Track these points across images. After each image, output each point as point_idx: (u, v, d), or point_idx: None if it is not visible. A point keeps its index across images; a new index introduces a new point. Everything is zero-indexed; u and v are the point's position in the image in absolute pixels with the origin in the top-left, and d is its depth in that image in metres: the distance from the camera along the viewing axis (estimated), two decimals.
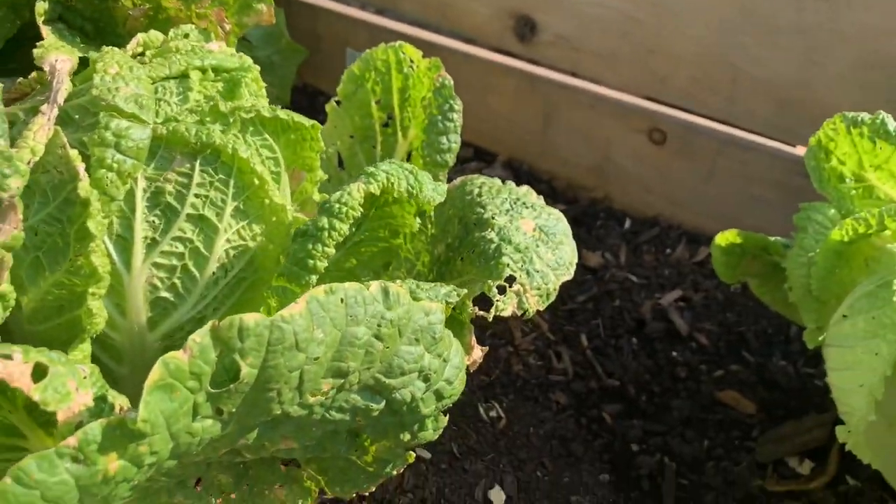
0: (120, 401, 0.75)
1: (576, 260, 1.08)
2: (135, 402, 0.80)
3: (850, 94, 1.54)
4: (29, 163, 0.71)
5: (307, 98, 2.06)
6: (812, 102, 1.58)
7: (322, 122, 1.08)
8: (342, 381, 0.80)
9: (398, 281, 0.92)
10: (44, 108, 0.74)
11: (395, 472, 1.01)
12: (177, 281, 0.83)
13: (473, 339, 1.04)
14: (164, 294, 0.83)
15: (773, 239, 1.29)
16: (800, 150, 1.65)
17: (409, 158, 1.27)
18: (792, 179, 1.63)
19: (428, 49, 1.31)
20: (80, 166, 0.73)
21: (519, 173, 1.89)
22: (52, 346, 0.84)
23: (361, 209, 0.87)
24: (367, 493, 1.23)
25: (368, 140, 1.28)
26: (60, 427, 0.67)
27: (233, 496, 1.04)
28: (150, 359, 0.89)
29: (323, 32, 2.02)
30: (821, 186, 1.19)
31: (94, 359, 0.85)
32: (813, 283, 1.16)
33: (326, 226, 0.83)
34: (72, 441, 0.62)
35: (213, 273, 0.85)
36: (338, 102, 1.27)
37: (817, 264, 1.14)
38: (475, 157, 1.94)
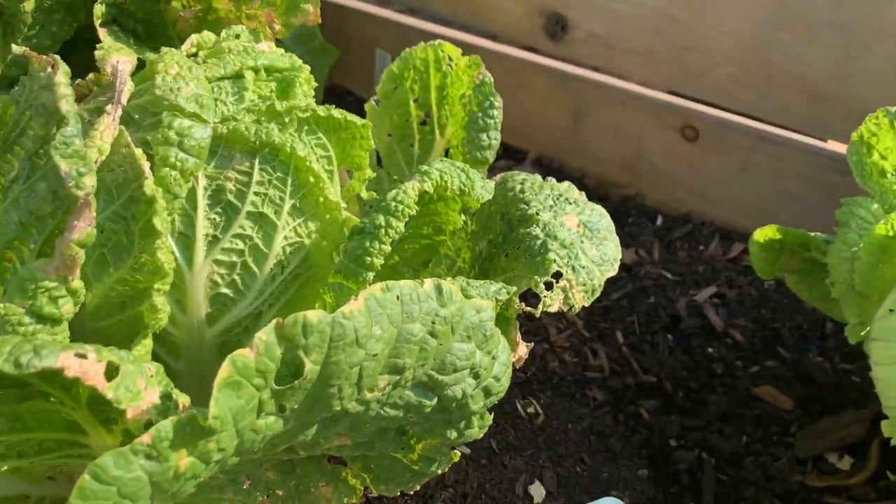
0: (182, 398, 0.76)
1: (619, 256, 1.08)
2: (193, 396, 0.81)
3: (886, 89, 1.53)
4: (96, 162, 0.72)
5: (336, 98, 2.07)
6: (848, 98, 1.57)
7: None
8: (398, 377, 0.81)
9: (448, 279, 0.93)
10: (108, 108, 0.75)
11: (439, 471, 1.02)
12: (237, 277, 0.84)
13: (519, 335, 1.04)
14: (224, 290, 0.84)
15: (812, 234, 1.29)
16: (832, 146, 1.65)
17: (446, 155, 1.28)
18: (825, 175, 1.63)
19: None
20: (145, 165, 0.74)
21: (549, 171, 1.89)
22: (113, 341, 0.85)
23: (417, 207, 0.87)
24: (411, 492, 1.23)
25: (406, 138, 1.29)
26: (129, 424, 0.68)
27: (279, 493, 1.05)
28: (206, 354, 0.91)
29: (352, 33, 2.03)
30: (863, 181, 1.19)
31: (153, 354, 0.86)
32: (856, 278, 1.16)
33: (383, 223, 0.84)
34: (145, 438, 0.63)
35: (271, 269, 0.86)
36: (377, 102, 1.27)
37: (861, 259, 1.14)
38: (505, 155, 1.94)
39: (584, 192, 1.16)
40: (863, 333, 1.20)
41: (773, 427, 1.39)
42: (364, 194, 1.05)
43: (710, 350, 1.51)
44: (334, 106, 0.96)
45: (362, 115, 1.30)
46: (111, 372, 0.67)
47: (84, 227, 0.67)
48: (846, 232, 1.17)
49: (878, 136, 1.18)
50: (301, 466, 1.06)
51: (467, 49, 1.85)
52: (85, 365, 0.63)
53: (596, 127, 1.83)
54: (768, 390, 1.44)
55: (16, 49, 0.82)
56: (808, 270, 1.35)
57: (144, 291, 0.79)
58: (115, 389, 0.65)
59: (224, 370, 0.66)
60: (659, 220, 1.78)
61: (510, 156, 1.95)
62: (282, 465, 1.03)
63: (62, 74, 0.72)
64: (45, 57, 0.75)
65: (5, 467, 0.83)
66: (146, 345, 0.81)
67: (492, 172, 1.71)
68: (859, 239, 1.15)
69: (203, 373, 0.92)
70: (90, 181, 0.67)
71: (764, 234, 1.32)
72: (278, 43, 1.57)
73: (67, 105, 0.70)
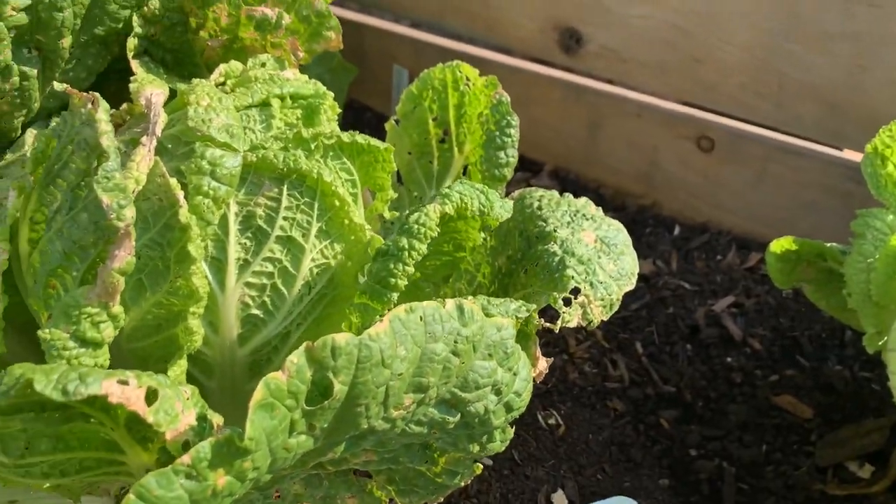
0: (216, 419, 0.79)
1: (637, 270, 1.10)
2: (225, 413, 0.84)
3: None
4: (133, 192, 0.75)
5: (355, 114, 2.10)
6: (861, 107, 1.58)
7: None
8: (422, 395, 0.83)
9: (470, 298, 0.96)
10: (143, 139, 0.79)
11: (462, 483, 1.04)
12: (267, 299, 0.87)
13: (539, 350, 1.07)
14: (255, 311, 0.87)
15: (829, 245, 1.30)
16: (848, 154, 1.66)
17: (465, 172, 1.31)
18: (841, 184, 1.64)
19: (473, 63, 1.35)
20: (180, 194, 0.78)
21: (566, 182, 1.91)
22: (149, 362, 0.89)
23: (438, 229, 0.90)
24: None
25: (425, 156, 1.32)
26: (169, 445, 0.72)
27: None
28: (238, 373, 0.94)
29: (369, 49, 2.07)
30: (878, 193, 1.21)
31: (187, 374, 0.89)
32: (873, 289, 1.17)
33: (406, 246, 0.87)
34: (186, 459, 0.66)
35: (299, 291, 0.89)
36: (396, 121, 1.31)
37: (877, 270, 1.16)
38: (521, 167, 1.96)
39: (600, 205, 1.18)
40: (881, 343, 1.21)
41: (793, 436, 1.40)
42: (387, 214, 1.08)
43: (729, 359, 1.52)
44: (353, 124, 1.00)
45: (381, 130, 1.34)
46: (150, 396, 0.70)
47: (124, 256, 0.71)
48: (862, 243, 1.18)
49: (892, 147, 1.19)
50: (328, 479, 1.08)
51: (483, 64, 1.88)
52: (127, 391, 0.66)
53: (611, 138, 1.85)
54: (788, 399, 1.45)
55: (57, 86, 0.86)
56: (825, 280, 1.36)
57: (179, 314, 0.82)
58: (155, 413, 0.68)
59: (258, 392, 0.69)
60: (676, 230, 1.80)
61: (527, 168, 1.97)
62: (309, 478, 1.06)
63: (102, 111, 0.76)
64: (85, 94, 0.78)
65: (47, 484, 0.86)
66: (181, 365, 0.85)
67: (509, 185, 1.74)
68: (875, 250, 1.17)
69: (234, 390, 0.95)
70: (130, 213, 0.71)
71: (780, 245, 1.33)
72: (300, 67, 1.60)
73: (108, 141, 0.73)
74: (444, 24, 2.04)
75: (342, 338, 0.72)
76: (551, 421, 1.41)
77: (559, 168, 1.95)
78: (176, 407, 0.70)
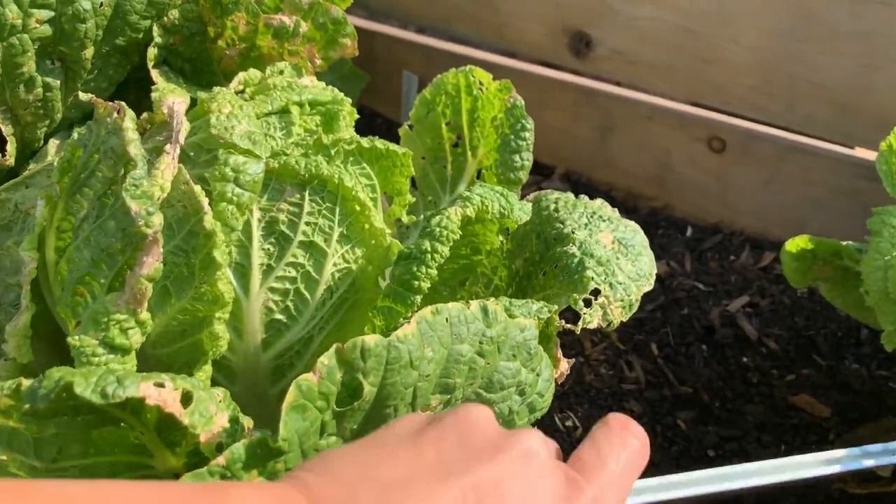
0: (246, 421, 0.79)
1: (654, 270, 1.11)
2: (249, 418, 0.85)
3: None
4: (158, 199, 0.76)
5: (365, 120, 2.11)
6: (871, 106, 1.59)
7: None
8: (449, 396, 0.84)
9: (492, 299, 0.96)
10: (167, 147, 0.79)
11: None
12: (290, 304, 0.88)
13: (560, 352, 1.07)
14: (279, 316, 0.88)
15: (844, 243, 1.30)
16: (860, 153, 1.66)
17: (478, 176, 1.31)
18: (854, 183, 1.64)
19: (483, 68, 1.36)
20: (205, 201, 0.78)
21: (577, 185, 1.92)
22: (173, 368, 0.89)
23: (460, 231, 0.91)
24: None
25: (439, 161, 1.33)
26: (203, 447, 0.72)
27: None
28: (261, 378, 0.94)
29: (379, 55, 2.08)
30: (893, 190, 1.21)
31: (210, 379, 0.90)
32: (890, 286, 1.17)
33: (429, 248, 0.88)
34: (220, 460, 0.67)
35: (322, 295, 0.90)
36: (410, 126, 1.31)
37: (894, 267, 1.16)
38: (533, 171, 1.95)
39: (615, 208, 1.18)
40: None
41: (811, 435, 1.40)
42: (405, 218, 1.08)
43: (744, 359, 1.52)
44: (364, 130, 1.00)
45: (391, 136, 1.35)
46: (185, 399, 0.71)
47: (153, 263, 0.71)
48: (878, 241, 1.19)
49: None
50: None
51: (493, 69, 1.88)
52: (164, 394, 0.67)
53: (623, 141, 1.86)
54: (805, 398, 1.45)
55: (83, 96, 0.87)
56: (841, 279, 1.36)
57: (204, 320, 0.83)
58: (190, 415, 0.68)
59: (290, 394, 0.70)
60: (689, 232, 1.80)
61: (538, 171, 1.97)
62: None
63: (129, 120, 0.77)
64: (111, 103, 0.79)
65: None
66: (206, 370, 0.85)
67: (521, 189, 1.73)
68: (892, 247, 1.17)
69: (257, 395, 0.96)
70: (158, 220, 0.72)
71: (796, 244, 1.33)
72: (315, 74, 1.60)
73: (135, 149, 0.74)
74: (453, 30, 2.05)
75: (372, 339, 0.73)
76: (568, 423, 1.42)
77: (570, 171, 1.96)
78: (210, 409, 0.71)
